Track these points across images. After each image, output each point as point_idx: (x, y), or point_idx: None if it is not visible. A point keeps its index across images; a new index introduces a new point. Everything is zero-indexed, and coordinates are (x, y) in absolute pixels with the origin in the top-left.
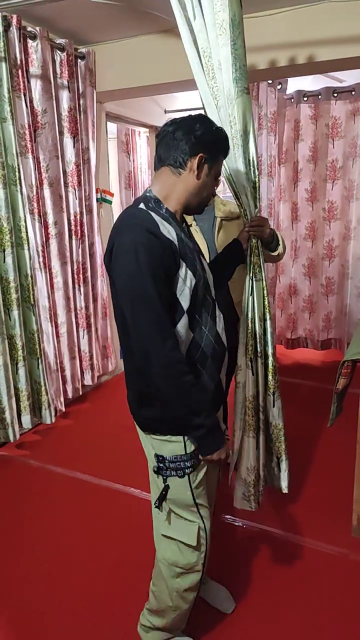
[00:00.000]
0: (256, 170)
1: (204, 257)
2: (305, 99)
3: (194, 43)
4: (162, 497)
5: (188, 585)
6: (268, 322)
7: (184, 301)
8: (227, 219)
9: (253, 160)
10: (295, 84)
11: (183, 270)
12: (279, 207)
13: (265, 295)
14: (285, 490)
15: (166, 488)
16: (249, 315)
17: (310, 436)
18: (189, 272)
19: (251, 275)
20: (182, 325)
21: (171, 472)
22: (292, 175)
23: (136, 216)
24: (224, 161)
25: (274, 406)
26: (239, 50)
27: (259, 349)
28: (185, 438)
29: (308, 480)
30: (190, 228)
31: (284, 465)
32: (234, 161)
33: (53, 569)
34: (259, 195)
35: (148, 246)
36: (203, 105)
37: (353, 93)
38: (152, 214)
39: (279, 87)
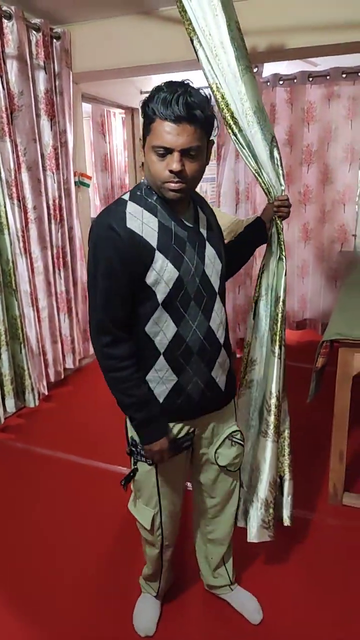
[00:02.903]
0: (277, 145)
1: (213, 246)
2: (281, 82)
3: (196, 21)
4: (129, 479)
5: (148, 552)
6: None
7: (160, 294)
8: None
9: (272, 135)
10: (271, 68)
11: (159, 263)
12: (255, 190)
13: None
14: (287, 523)
15: (134, 471)
16: (281, 297)
17: (290, 411)
18: (169, 265)
19: (278, 255)
20: (158, 318)
21: (141, 457)
22: None
23: (107, 210)
24: (238, 136)
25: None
26: (234, 31)
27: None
28: None
29: None
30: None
31: (287, 487)
32: (250, 138)
33: (41, 548)
34: (283, 172)
35: (104, 243)
36: (208, 81)
37: (328, 77)
38: (131, 204)
39: (255, 70)
